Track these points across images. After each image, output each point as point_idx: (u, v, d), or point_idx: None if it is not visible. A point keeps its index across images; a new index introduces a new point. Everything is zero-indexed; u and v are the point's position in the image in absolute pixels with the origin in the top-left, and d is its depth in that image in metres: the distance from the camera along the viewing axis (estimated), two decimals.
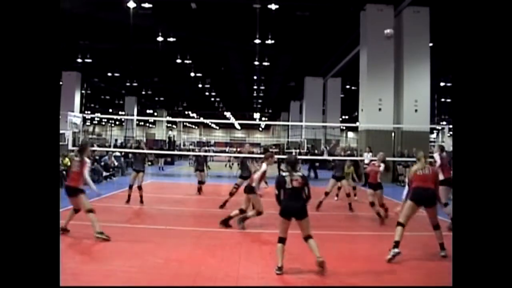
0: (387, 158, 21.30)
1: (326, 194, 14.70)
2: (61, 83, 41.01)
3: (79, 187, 9.74)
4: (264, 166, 10.71)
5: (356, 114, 38.87)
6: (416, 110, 24.47)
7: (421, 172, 8.80)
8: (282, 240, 7.53)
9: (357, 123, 32.10)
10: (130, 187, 14.87)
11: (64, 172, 18.73)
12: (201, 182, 17.78)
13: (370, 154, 22.46)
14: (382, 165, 12.76)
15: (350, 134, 76.73)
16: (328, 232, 10.90)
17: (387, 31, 18.49)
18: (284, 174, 7.74)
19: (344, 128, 67.96)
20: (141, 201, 14.54)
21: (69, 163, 19.19)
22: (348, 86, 44.10)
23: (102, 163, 22.85)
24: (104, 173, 22.09)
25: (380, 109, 24.52)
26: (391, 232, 8.63)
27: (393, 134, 25.38)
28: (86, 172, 9.75)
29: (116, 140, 52.13)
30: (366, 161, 22.87)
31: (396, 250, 8.10)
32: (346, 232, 11.50)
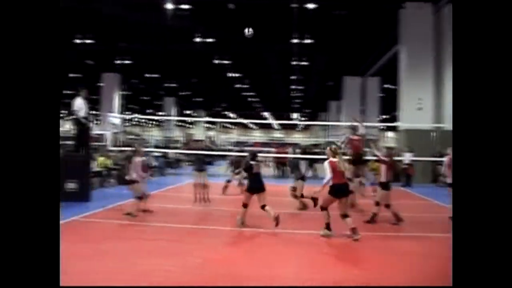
0: (426, 158, 21.17)
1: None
2: (101, 84, 41.61)
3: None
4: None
5: (395, 113, 38.44)
6: None
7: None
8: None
9: (397, 123, 31.79)
10: (195, 185, 14.99)
11: (105, 172, 19.03)
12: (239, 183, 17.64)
13: (410, 154, 22.26)
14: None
15: (390, 134, 75.99)
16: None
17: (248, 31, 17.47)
18: None
19: (383, 127, 67.39)
20: (207, 199, 14.70)
21: (110, 163, 19.55)
22: (387, 85, 43.64)
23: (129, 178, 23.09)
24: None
25: (419, 109, 24.24)
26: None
27: (433, 134, 25.05)
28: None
29: (156, 140, 52.62)
30: (406, 161, 22.70)
31: None
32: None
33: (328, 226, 10.04)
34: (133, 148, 13.25)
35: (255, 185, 11.00)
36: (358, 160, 12.54)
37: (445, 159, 12.14)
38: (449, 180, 11.13)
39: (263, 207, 10.73)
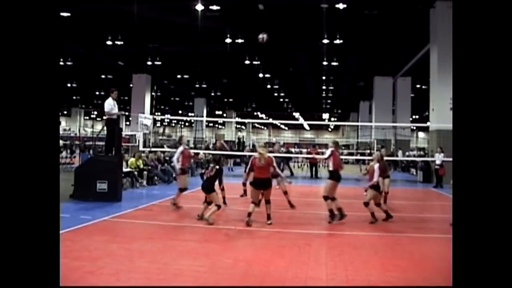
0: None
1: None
2: (131, 85, 41.99)
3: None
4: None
5: (426, 114, 38.12)
6: None
7: None
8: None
9: (428, 123, 31.51)
10: (244, 184, 16.19)
11: (136, 173, 19.16)
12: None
13: (442, 154, 22.05)
14: (377, 165, 12.37)
15: (421, 134, 75.51)
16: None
17: (261, 36, 17.09)
18: None
19: (414, 128, 66.90)
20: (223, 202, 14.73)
21: (141, 164, 19.69)
22: (418, 85, 43.33)
23: (172, 164, 23.18)
24: (174, 174, 22.38)
25: (451, 109, 23.96)
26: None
27: None
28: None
29: (188, 141, 52.88)
30: (438, 162, 22.50)
31: None
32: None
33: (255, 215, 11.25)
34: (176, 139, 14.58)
35: (203, 186, 11.95)
36: (336, 175, 12.22)
37: None
38: None
39: (209, 203, 11.87)
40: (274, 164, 11.97)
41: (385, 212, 12.39)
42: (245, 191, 16.27)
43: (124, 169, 17.77)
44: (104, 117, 15.27)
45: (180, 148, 14.07)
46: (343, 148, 43.86)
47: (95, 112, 78.90)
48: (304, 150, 33.90)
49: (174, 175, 21.94)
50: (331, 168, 12.00)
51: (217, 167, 11.99)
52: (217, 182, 13.15)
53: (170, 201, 13.92)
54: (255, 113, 74.63)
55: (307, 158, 28.61)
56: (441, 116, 23.99)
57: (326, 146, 44.66)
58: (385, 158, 16.39)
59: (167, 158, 23.25)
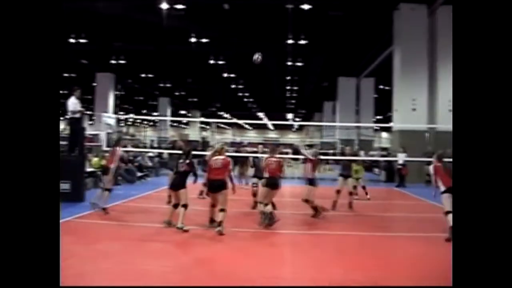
0: (420, 159, 21.20)
1: (338, 192, 14.67)
2: (95, 84, 41.55)
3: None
4: None
5: (389, 114, 38.54)
6: (450, 110, 24.17)
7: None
8: None
9: (391, 124, 31.84)
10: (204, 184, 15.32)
11: (100, 173, 18.97)
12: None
13: (405, 154, 22.31)
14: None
15: (384, 135, 76.12)
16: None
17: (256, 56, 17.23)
18: None
19: (377, 128, 67.48)
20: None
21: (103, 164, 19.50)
22: (381, 86, 43.74)
23: (136, 164, 23.03)
24: (138, 174, 22.26)
25: (414, 109, 24.31)
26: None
27: (427, 135, 25.14)
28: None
29: (152, 141, 52.57)
30: (400, 162, 22.77)
31: None
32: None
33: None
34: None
35: (174, 183, 11.35)
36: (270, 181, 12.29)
37: (430, 167, 11.95)
38: (442, 188, 10.99)
39: (175, 206, 11.13)
40: (230, 167, 11.75)
41: (313, 208, 12.70)
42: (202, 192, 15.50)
43: (88, 169, 17.58)
44: (67, 116, 15.03)
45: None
46: (306, 148, 43.89)
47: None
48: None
49: (138, 175, 21.82)
50: (266, 175, 11.82)
51: (188, 161, 11.20)
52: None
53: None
54: (220, 113, 74.50)
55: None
56: (403, 116, 24.31)
57: (290, 145, 44.81)
58: (350, 157, 16.52)
59: (131, 158, 23.10)
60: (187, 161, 11.22)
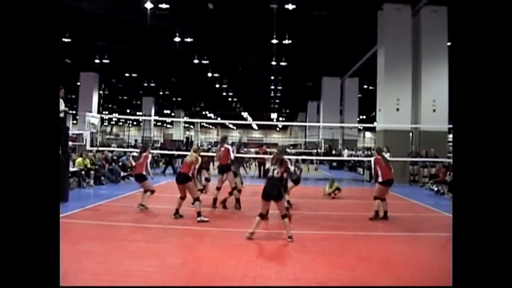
0: (404, 159, 21.31)
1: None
2: (79, 83, 41.37)
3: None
4: None
5: (373, 114, 38.72)
6: (434, 110, 24.32)
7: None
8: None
9: (375, 123, 31.97)
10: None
11: (83, 172, 18.87)
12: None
13: (388, 154, 22.39)
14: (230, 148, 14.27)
15: (368, 134, 76.56)
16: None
17: None
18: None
19: (361, 128, 67.78)
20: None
21: (88, 164, 19.41)
22: (365, 86, 43.96)
23: (120, 163, 22.92)
24: (122, 173, 22.14)
25: (397, 109, 24.40)
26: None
27: (411, 134, 25.27)
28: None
29: (136, 140, 52.43)
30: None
31: None
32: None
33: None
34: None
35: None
36: (223, 168, 14.04)
37: (372, 159, 13.58)
38: (380, 179, 12.79)
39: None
40: (196, 166, 12.42)
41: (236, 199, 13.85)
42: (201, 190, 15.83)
43: (71, 169, 17.48)
44: None
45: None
46: (291, 148, 44.07)
47: None
48: (253, 150, 33.90)
49: (121, 175, 21.71)
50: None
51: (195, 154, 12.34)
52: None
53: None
54: (204, 113, 74.45)
55: (255, 158, 28.61)
56: (387, 116, 24.39)
57: (275, 145, 44.89)
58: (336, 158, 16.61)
59: (115, 157, 23.00)
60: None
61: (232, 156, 14.05)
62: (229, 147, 14.31)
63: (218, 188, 14.05)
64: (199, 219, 11.31)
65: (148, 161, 13.69)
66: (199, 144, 38.71)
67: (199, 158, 12.45)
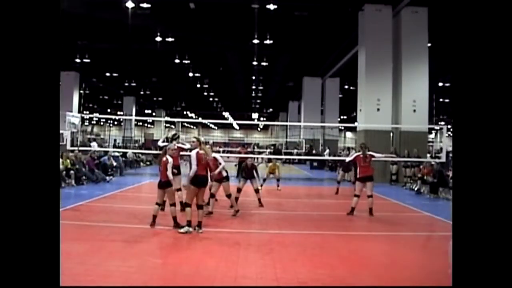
0: (397, 159, 21.49)
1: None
2: (59, 83, 41.04)
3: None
4: None
5: (354, 114, 38.89)
6: (414, 110, 24.48)
7: None
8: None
9: (356, 123, 32.09)
10: None
11: (63, 173, 18.72)
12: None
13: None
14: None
15: (349, 134, 76.82)
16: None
17: None
18: None
19: (342, 128, 68.01)
20: None
21: (68, 164, 19.26)
22: (346, 86, 44.17)
23: (101, 163, 22.78)
24: (107, 177, 22.00)
25: (378, 109, 24.52)
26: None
27: (391, 134, 25.41)
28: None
29: (115, 140, 52.18)
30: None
31: None
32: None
33: (189, 223, 10.31)
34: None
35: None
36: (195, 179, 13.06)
37: (353, 155, 14.56)
38: (358, 175, 13.91)
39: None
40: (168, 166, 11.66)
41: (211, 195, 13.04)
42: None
43: None
44: None
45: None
46: (271, 148, 44.20)
47: None
48: (234, 150, 33.98)
49: (106, 179, 21.55)
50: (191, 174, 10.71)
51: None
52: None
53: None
54: (185, 112, 74.31)
55: (236, 157, 28.60)
56: (368, 116, 24.51)
57: (257, 145, 44.89)
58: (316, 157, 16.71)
59: (95, 157, 22.86)
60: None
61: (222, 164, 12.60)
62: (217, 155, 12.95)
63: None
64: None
65: (169, 166, 11.12)
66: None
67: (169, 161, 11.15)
